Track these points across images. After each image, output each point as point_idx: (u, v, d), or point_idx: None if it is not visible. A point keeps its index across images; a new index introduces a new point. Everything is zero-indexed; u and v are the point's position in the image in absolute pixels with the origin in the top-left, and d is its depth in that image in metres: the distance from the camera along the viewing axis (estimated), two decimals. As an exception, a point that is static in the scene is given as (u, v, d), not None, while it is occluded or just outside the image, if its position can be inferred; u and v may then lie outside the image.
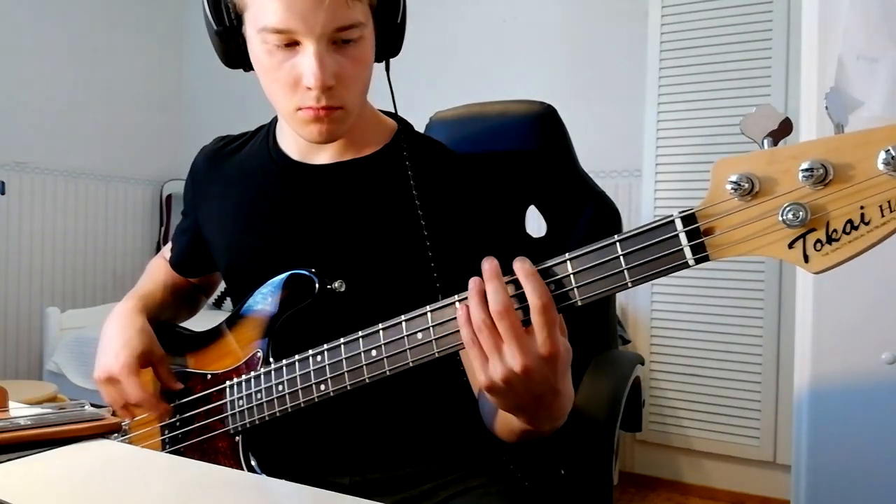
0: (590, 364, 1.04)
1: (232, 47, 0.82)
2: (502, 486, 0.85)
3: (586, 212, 1.13)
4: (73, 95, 3.31)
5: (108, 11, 3.46)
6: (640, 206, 2.46)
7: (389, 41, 0.84)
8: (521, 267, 0.60)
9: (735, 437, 2.31)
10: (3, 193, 2.49)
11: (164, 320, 0.98)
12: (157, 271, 1.06)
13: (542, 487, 0.94)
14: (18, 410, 0.75)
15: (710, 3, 2.29)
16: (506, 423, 0.73)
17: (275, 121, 0.95)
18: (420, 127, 1.04)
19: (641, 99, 2.43)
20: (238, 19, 0.79)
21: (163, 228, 3.64)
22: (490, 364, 0.61)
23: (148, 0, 3.67)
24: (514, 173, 1.13)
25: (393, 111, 0.92)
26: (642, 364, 1.19)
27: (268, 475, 0.79)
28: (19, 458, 0.63)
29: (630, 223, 2.38)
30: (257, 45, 0.77)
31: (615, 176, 2.69)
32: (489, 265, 0.61)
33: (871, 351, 1.15)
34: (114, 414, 0.94)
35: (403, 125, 0.92)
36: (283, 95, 0.78)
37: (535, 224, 1.18)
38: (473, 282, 0.62)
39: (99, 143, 3.42)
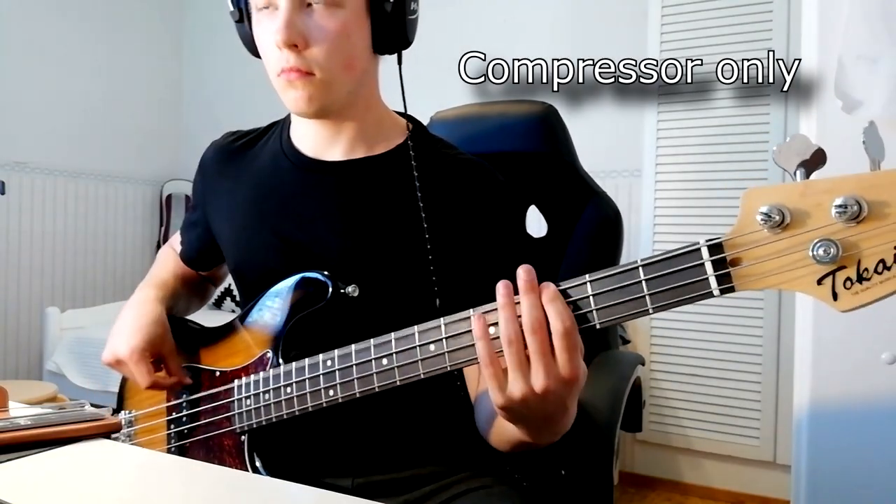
0: (590, 364, 1.04)
1: (248, 31, 0.85)
2: (504, 486, 0.84)
3: (587, 212, 1.13)
4: (73, 95, 3.31)
5: (109, 11, 3.46)
6: (640, 206, 2.46)
7: (389, 28, 0.82)
8: (546, 290, 0.58)
9: (735, 437, 2.31)
10: (3, 193, 2.49)
11: (176, 311, 0.98)
12: (168, 262, 1.05)
13: (542, 488, 0.94)
14: (18, 410, 0.75)
15: (710, 3, 2.29)
16: (504, 433, 0.72)
17: (288, 118, 0.95)
18: (420, 127, 1.04)
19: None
20: (246, 3, 0.84)
21: (163, 228, 3.64)
22: (510, 381, 0.59)
23: (148, 0, 3.67)
24: (514, 173, 1.13)
25: (404, 111, 0.92)
26: (642, 364, 1.19)
27: (271, 475, 0.79)
28: (19, 458, 0.63)
29: (630, 223, 2.38)
30: (254, 16, 0.82)
31: (615, 176, 2.69)
32: (527, 276, 0.59)
33: (871, 351, 1.15)
34: (114, 412, 0.94)
35: (416, 125, 0.92)
36: (267, 62, 0.81)
37: (536, 224, 1.18)
38: (505, 286, 0.59)
39: (99, 143, 3.42)
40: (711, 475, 2.40)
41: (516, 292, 0.60)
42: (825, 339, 1.20)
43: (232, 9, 0.86)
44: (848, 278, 0.49)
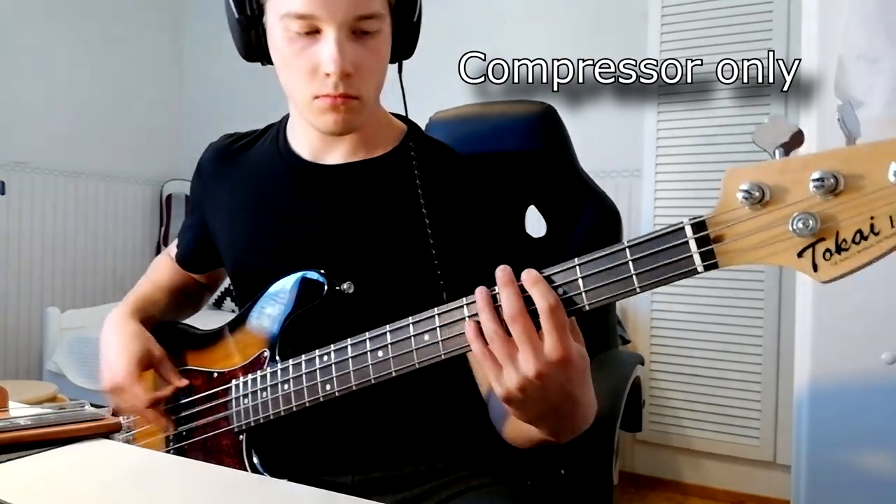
0: (590, 364, 1.04)
1: (252, 38, 0.84)
2: (503, 485, 0.85)
3: (586, 212, 1.13)
4: (74, 95, 3.31)
5: (109, 12, 3.46)
6: (640, 206, 2.46)
7: (404, 41, 0.86)
8: (527, 275, 0.60)
9: (735, 437, 2.31)
10: (3, 193, 2.49)
11: (166, 319, 0.98)
12: (158, 270, 1.06)
13: (542, 487, 0.94)
14: (18, 410, 0.75)
15: (710, 3, 2.30)
16: (522, 431, 0.72)
17: (285, 120, 0.95)
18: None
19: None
20: (259, 9, 0.82)
21: (163, 228, 3.64)
22: (504, 373, 0.60)
23: (148, 1, 3.67)
24: (514, 173, 1.13)
25: (401, 114, 0.93)
26: (642, 364, 1.19)
27: (270, 474, 0.79)
28: (19, 458, 0.63)
29: (630, 223, 2.39)
30: (278, 34, 0.79)
31: (615, 176, 2.69)
32: (503, 273, 0.61)
33: (871, 351, 1.16)
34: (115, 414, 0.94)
35: (413, 128, 0.92)
36: (302, 83, 0.79)
37: (535, 224, 1.18)
38: (481, 292, 0.61)
39: (99, 143, 3.42)
40: (711, 475, 2.40)
41: None
42: (825, 340, 1.20)
43: (239, 16, 0.83)
44: (827, 249, 0.50)
